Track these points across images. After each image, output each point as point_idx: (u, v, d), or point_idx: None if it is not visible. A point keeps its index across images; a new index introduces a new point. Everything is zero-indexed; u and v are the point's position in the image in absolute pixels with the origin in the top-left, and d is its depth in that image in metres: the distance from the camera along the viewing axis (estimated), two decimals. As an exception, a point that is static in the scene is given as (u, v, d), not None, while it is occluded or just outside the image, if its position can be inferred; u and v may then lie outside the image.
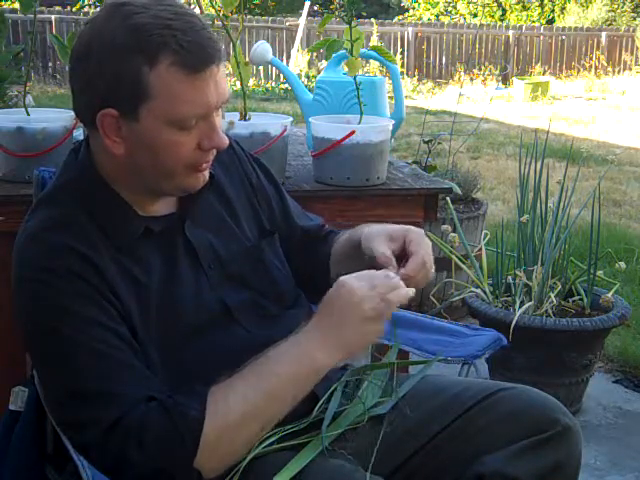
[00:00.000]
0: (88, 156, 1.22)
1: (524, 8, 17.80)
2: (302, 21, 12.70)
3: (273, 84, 12.06)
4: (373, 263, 1.26)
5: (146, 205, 1.23)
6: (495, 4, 17.89)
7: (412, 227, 1.31)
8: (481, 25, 15.46)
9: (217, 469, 1.11)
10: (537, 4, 17.82)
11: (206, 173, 1.23)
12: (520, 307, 2.55)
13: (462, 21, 17.07)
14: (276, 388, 1.12)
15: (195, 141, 1.16)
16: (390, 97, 2.49)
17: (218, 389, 1.11)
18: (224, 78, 1.17)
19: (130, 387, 1.10)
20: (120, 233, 1.19)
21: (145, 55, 1.10)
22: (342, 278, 1.16)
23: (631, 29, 15.61)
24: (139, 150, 1.15)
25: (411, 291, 1.17)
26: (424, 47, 14.31)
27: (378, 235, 1.29)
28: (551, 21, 17.51)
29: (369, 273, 1.18)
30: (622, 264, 2.85)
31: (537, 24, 16.66)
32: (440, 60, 14.41)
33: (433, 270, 1.29)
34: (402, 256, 1.27)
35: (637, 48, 15.17)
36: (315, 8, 17.20)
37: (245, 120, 2.05)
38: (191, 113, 1.13)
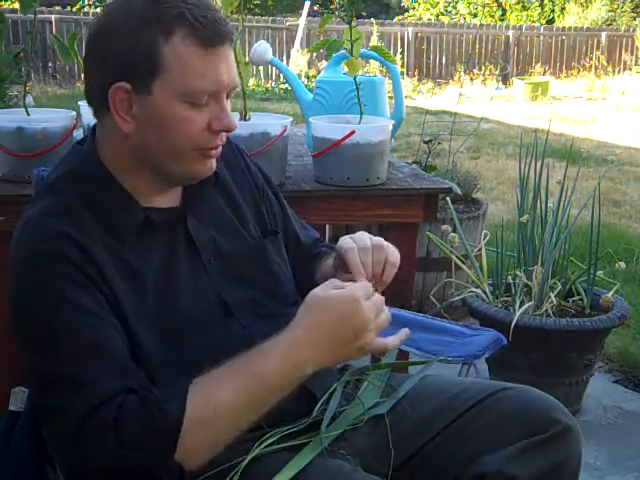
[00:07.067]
0: (93, 146, 1.22)
1: (524, 8, 17.80)
2: (302, 21, 12.70)
3: (273, 84, 12.06)
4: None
5: (149, 196, 1.22)
6: (495, 4, 17.89)
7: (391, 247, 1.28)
8: (481, 25, 15.47)
9: (199, 462, 1.09)
10: (537, 4, 17.82)
11: (214, 161, 1.22)
12: (520, 307, 2.54)
13: (462, 21, 17.08)
14: (260, 391, 1.10)
15: (205, 121, 1.16)
16: (390, 97, 2.49)
17: (201, 383, 1.09)
18: (234, 63, 1.18)
19: (110, 377, 1.08)
20: (119, 223, 1.18)
21: (161, 26, 1.11)
22: (350, 289, 1.12)
23: (631, 29, 15.62)
24: (149, 127, 1.15)
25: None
26: (424, 47, 14.31)
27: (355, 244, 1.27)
28: (551, 21, 17.52)
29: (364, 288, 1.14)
30: (622, 264, 2.85)
31: (537, 24, 16.67)
32: (440, 60, 14.41)
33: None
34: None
35: (637, 48, 15.18)
36: (315, 8, 17.20)
37: (245, 120, 2.05)
38: (203, 88, 1.14)
